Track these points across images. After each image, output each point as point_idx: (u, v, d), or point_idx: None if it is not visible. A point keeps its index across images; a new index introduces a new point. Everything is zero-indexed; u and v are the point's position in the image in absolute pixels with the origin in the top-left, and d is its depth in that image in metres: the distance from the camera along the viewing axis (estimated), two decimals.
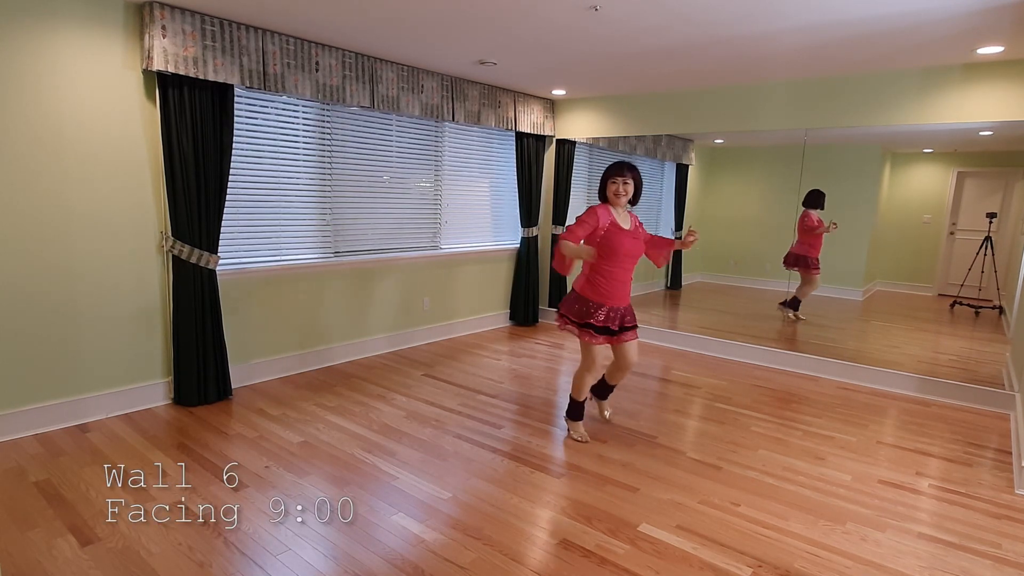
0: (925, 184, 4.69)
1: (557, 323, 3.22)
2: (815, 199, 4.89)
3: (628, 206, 3.18)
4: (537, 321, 6.17)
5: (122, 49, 3.18)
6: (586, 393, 3.25)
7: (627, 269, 3.10)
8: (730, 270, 5.70)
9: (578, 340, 3.15)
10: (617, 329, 3.08)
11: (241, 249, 3.89)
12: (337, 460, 2.90)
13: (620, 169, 3.06)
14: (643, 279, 6.29)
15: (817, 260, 4.98)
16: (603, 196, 3.14)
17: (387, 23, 3.39)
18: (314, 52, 3.84)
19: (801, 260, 5.02)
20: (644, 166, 6.25)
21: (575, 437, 3.24)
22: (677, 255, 6.05)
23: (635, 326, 3.18)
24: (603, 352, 3.15)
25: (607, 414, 3.52)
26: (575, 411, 3.28)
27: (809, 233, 4.92)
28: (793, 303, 5.14)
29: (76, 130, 3.07)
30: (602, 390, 3.46)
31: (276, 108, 3.94)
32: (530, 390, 4.02)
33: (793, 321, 5.17)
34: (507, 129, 5.46)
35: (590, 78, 4.73)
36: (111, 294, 3.29)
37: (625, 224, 3.10)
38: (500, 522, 2.40)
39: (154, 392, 3.52)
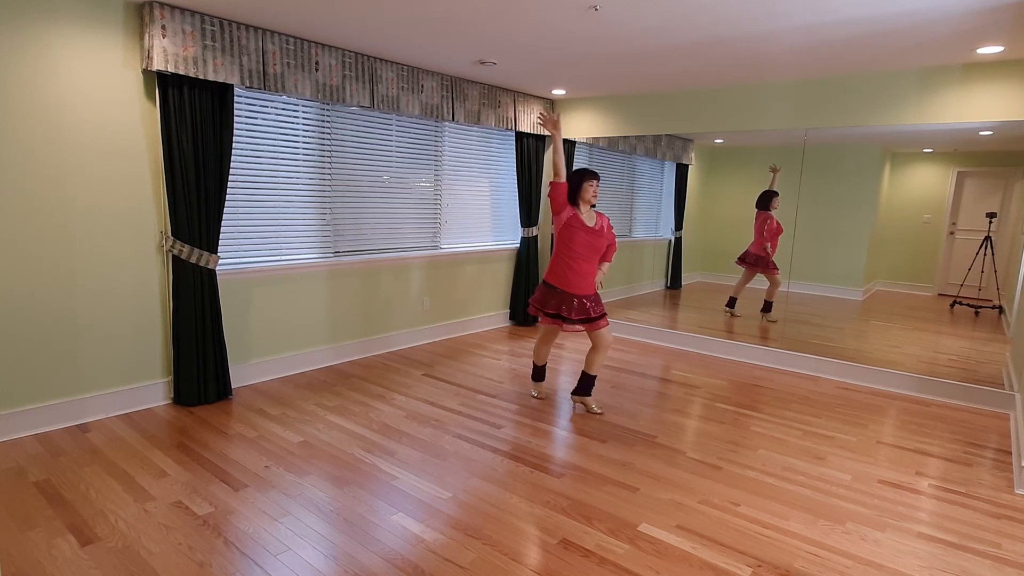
0: (925, 184, 4.68)
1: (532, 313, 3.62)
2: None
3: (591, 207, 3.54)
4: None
5: (122, 49, 3.18)
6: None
7: (588, 261, 3.46)
8: (730, 270, 5.69)
9: (562, 334, 3.68)
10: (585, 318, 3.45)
11: (241, 249, 3.89)
12: (337, 460, 2.90)
13: (595, 174, 3.43)
14: (643, 279, 6.29)
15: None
16: (574, 199, 3.43)
17: (387, 23, 3.38)
18: (314, 52, 3.84)
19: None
20: (644, 166, 6.26)
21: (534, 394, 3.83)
22: (677, 253, 6.05)
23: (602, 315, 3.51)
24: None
25: (595, 408, 3.66)
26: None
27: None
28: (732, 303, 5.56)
29: (76, 130, 3.07)
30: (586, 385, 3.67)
31: (276, 108, 3.94)
32: (530, 390, 4.02)
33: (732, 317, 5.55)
34: (507, 129, 5.45)
35: (590, 78, 4.73)
36: (111, 294, 3.29)
37: (590, 222, 3.44)
38: (500, 522, 2.40)
39: (154, 392, 3.52)
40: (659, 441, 3.25)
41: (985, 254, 4.54)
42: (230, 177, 3.74)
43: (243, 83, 3.49)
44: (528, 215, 5.82)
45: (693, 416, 3.63)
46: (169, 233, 3.40)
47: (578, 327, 3.45)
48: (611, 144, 5.96)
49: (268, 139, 3.93)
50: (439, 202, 5.21)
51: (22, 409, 3.05)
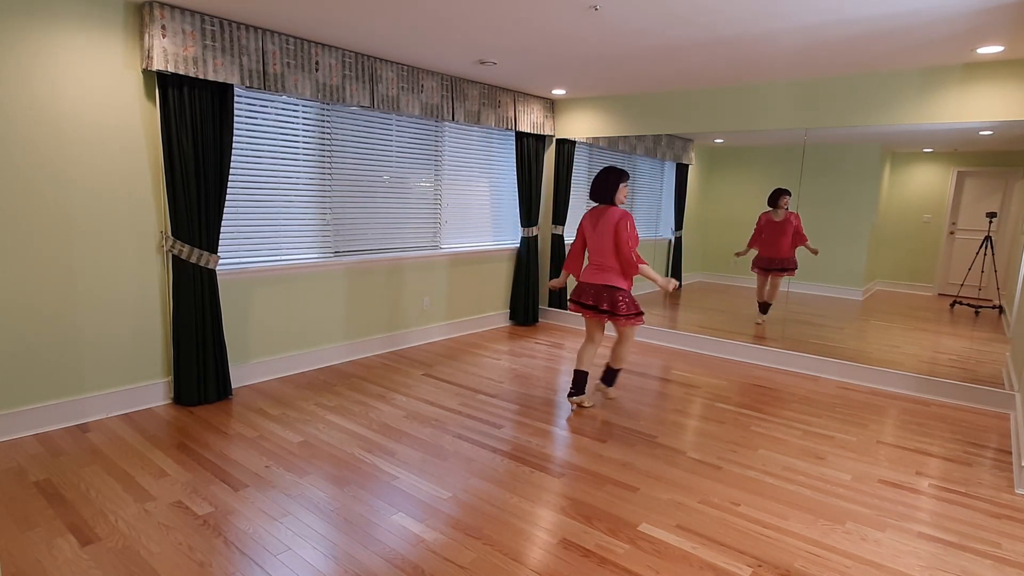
0: (925, 184, 4.68)
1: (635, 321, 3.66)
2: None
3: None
4: (537, 321, 6.17)
5: (122, 49, 3.18)
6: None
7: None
8: (730, 270, 5.69)
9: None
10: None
11: (241, 249, 3.89)
12: (337, 460, 2.90)
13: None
14: (644, 278, 6.27)
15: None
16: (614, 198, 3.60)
17: (387, 23, 3.38)
18: (314, 52, 3.84)
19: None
20: (644, 166, 6.25)
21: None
22: (677, 253, 6.05)
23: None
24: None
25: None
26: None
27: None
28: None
29: (76, 130, 3.07)
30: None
31: (276, 108, 3.94)
32: (530, 390, 4.02)
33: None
34: (507, 129, 5.45)
35: (590, 78, 4.73)
36: (111, 294, 3.29)
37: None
38: (500, 522, 2.40)
39: (154, 392, 3.52)
40: (659, 441, 3.25)
41: (985, 254, 4.54)
42: (230, 177, 3.74)
43: (243, 83, 3.48)
44: (528, 215, 5.82)
45: (693, 416, 3.63)
46: (169, 233, 3.40)
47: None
48: (611, 144, 5.96)
49: (268, 139, 3.93)
50: (439, 202, 5.21)
51: (22, 409, 3.05)
